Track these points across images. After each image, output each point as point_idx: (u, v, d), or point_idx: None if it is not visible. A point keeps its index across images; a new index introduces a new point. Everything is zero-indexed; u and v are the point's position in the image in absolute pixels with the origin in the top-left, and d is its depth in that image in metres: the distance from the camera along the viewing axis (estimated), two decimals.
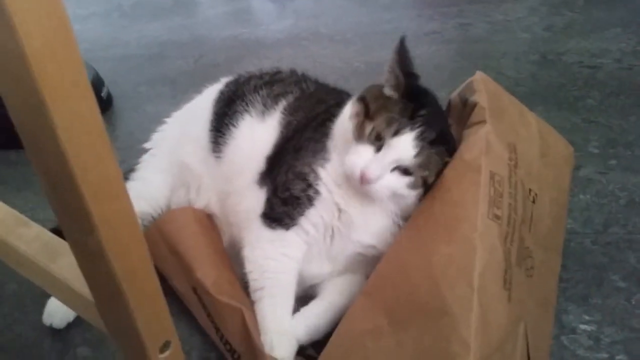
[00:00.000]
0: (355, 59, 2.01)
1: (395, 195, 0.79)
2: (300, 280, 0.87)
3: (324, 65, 1.99)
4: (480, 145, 0.76)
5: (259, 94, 1.00)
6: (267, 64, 2.05)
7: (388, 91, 0.82)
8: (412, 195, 0.79)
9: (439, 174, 0.79)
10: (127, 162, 1.41)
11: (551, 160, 0.89)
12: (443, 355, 0.63)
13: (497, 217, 0.72)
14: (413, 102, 0.79)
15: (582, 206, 1.16)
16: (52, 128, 0.38)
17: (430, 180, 0.79)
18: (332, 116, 0.88)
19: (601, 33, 2.01)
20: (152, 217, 1.06)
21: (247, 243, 0.87)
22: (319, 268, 0.88)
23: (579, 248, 1.05)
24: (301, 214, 0.83)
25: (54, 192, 0.44)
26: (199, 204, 1.02)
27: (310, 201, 0.83)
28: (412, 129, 0.76)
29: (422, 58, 1.95)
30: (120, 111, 1.76)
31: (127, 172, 1.13)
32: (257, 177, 0.92)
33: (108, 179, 0.44)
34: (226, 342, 0.83)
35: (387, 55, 1.95)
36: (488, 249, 0.68)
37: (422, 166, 0.77)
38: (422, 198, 0.80)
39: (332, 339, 0.75)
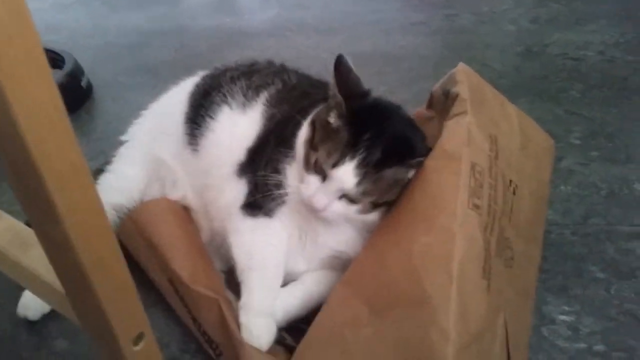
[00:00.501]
0: (341, 49, 1.95)
1: (348, 219, 0.79)
2: None
3: (308, 56, 1.97)
4: (461, 136, 0.76)
5: (236, 85, 0.98)
6: (249, 54, 2.01)
7: (332, 119, 0.77)
8: (367, 217, 0.78)
9: (396, 190, 0.78)
10: (107, 152, 1.38)
11: (531, 152, 0.89)
12: (422, 345, 0.62)
13: (477, 207, 0.71)
14: (358, 126, 0.75)
15: (562, 197, 1.17)
16: (12, 117, 0.37)
17: (388, 198, 0.77)
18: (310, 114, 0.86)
19: (585, 25, 2.03)
20: (127, 209, 1.03)
21: (232, 231, 0.86)
22: (294, 265, 0.87)
23: (559, 239, 1.06)
24: (279, 204, 0.83)
25: (19, 182, 0.43)
26: (175, 197, 1.01)
27: (281, 198, 0.83)
28: (352, 158, 0.73)
29: (408, 49, 1.95)
30: (99, 101, 1.73)
31: (104, 164, 1.11)
32: (236, 168, 0.90)
33: (72, 168, 0.42)
34: (204, 333, 0.82)
35: (373, 45, 1.95)
36: (467, 239, 0.68)
37: (366, 193, 0.75)
38: (384, 214, 0.79)
39: (311, 329, 0.74)
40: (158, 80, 1.85)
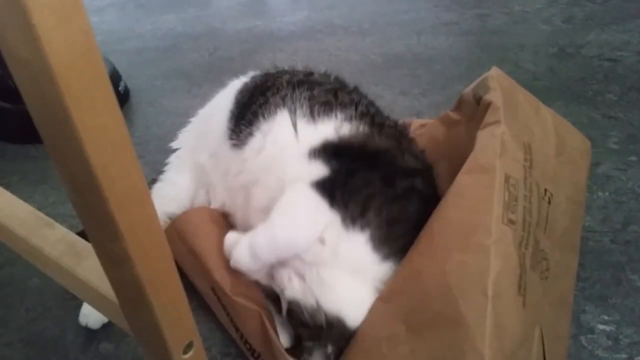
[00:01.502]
0: (371, 51, 2.00)
1: None
2: None
3: (339, 58, 1.98)
4: (494, 148, 0.75)
5: (296, 92, 0.94)
6: (281, 57, 2.05)
7: None
8: None
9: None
10: (145, 157, 1.43)
11: (567, 157, 0.88)
12: None
13: (511, 221, 0.71)
14: None
15: (600, 204, 1.15)
16: (78, 142, 0.39)
17: None
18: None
19: (621, 24, 1.98)
20: None
21: (291, 187, 0.82)
22: None
23: (598, 247, 1.05)
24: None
25: (80, 200, 0.45)
26: (215, 204, 1.02)
27: None
28: None
29: (440, 50, 1.93)
30: (136, 105, 1.77)
31: (158, 174, 1.15)
32: (307, 150, 0.85)
33: (134, 188, 0.44)
34: (246, 342, 0.85)
35: (404, 46, 1.94)
36: (502, 256, 0.68)
37: None
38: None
39: (354, 340, 0.76)
40: (192, 85, 1.90)
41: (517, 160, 0.77)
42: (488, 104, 0.82)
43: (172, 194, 1.06)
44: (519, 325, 0.66)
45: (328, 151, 0.85)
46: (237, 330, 0.86)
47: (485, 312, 0.63)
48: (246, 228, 0.95)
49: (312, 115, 0.91)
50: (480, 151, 0.76)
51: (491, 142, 0.76)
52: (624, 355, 0.85)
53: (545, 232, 0.78)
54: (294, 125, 0.91)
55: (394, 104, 1.60)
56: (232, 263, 0.83)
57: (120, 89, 1.75)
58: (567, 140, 0.90)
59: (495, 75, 0.85)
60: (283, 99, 0.94)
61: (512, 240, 0.70)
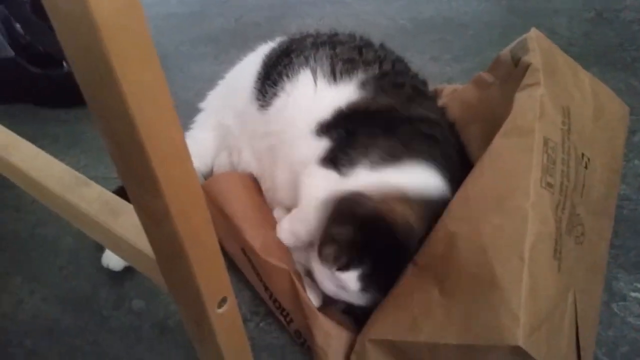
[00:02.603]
0: (400, 15, 1.96)
1: None
2: None
3: (367, 22, 1.95)
4: (534, 110, 0.73)
5: (319, 52, 0.95)
6: (308, 23, 2.03)
7: None
8: None
9: None
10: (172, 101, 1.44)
11: (605, 122, 0.86)
12: (492, 328, 0.62)
13: (550, 185, 0.70)
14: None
15: (636, 172, 1.13)
16: (121, 97, 0.39)
17: None
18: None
19: None
20: (202, 174, 1.09)
21: (305, 174, 0.85)
22: None
23: (632, 215, 1.03)
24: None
25: (122, 156, 0.45)
26: (241, 167, 1.03)
27: None
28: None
29: (472, 15, 1.89)
30: (164, 71, 1.76)
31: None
32: (316, 126, 0.87)
33: (174, 145, 0.45)
34: (275, 300, 0.86)
35: (434, 11, 1.89)
36: (540, 220, 0.67)
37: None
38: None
39: (384, 301, 0.76)
40: (220, 51, 1.89)
41: (555, 124, 0.75)
42: (527, 66, 0.79)
43: (195, 150, 1.06)
44: (554, 289, 0.66)
45: (336, 122, 0.86)
46: (267, 289, 0.88)
47: (522, 275, 0.62)
48: (274, 191, 0.96)
49: (334, 74, 0.91)
50: (519, 113, 0.75)
51: (530, 104, 0.74)
52: None
53: (582, 196, 0.76)
54: (315, 83, 0.92)
55: (424, 69, 1.54)
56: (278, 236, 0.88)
57: None
58: (605, 106, 0.88)
59: (534, 36, 0.83)
60: (307, 58, 0.95)
61: (550, 203, 0.69)
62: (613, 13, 1.79)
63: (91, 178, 0.70)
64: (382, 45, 1.04)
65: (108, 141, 0.45)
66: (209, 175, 1.12)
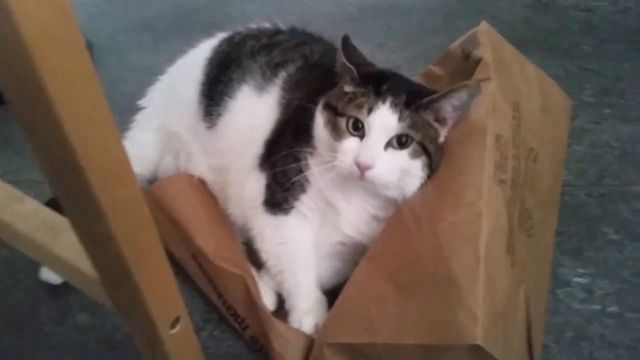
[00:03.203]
0: (346, 1, 1.94)
1: (401, 173, 0.74)
2: None
3: (313, 9, 1.91)
4: (486, 105, 0.73)
5: (256, 61, 0.93)
6: (251, 8, 1.97)
7: (347, 88, 0.78)
8: (416, 167, 0.74)
9: (435, 142, 0.76)
10: (114, 117, 1.37)
11: (550, 114, 0.88)
12: (449, 325, 0.63)
13: (502, 181, 0.71)
14: (373, 83, 0.75)
15: (576, 157, 1.17)
16: (55, 119, 0.36)
17: (430, 147, 0.74)
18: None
19: None
20: (145, 178, 1.03)
21: (256, 234, 0.85)
22: None
23: (574, 200, 1.07)
24: (297, 198, 0.82)
25: (59, 181, 0.42)
26: (195, 173, 0.99)
27: (302, 187, 0.81)
28: (383, 102, 0.72)
29: (416, 1, 1.89)
30: (100, 62, 1.68)
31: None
32: (257, 161, 0.87)
33: (116, 166, 0.42)
34: (229, 307, 0.84)
35: None
36: (494, 216, 0.67)
37: (412, 127, 0.72)
38: (426, 181, 0.75)
39: (337, 302, 0.75)
40: (159, 39, 1.81)
41: (506, 119, 0.76)
42: (478, 60, 0.80)
43: (137, 153, 1.01)
44: (508, 284, 0.67)
45: (268, 154, 0.86)
46: (220, 295, 0.85)
47: (477, 273, 0.63)
48: (226, 210, 0.94)
49: (263, 83, 0.90)
50: (472, 108, 0.74)
51: (482, 100, 0.74)
52: (597, 307, 0.88)
53: (530, 190, 0.78)
54: (252, 103, 0.90)
55: (371, 57, 1.56)
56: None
57: None
58: (551, 98, 0.90)
59: (485, 30, 0.83)
60: (244, 72, 0.93)
61: (502, 200, 0.70)
62: None
63: (25, 181, 0.65)
64: (319, 39, 1.01)
65: (44, 166, 0.41)
66: (152, 179, 1.06)
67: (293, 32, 1.02)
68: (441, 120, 0.75)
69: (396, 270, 0.72)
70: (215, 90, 0.95)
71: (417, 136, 0.73)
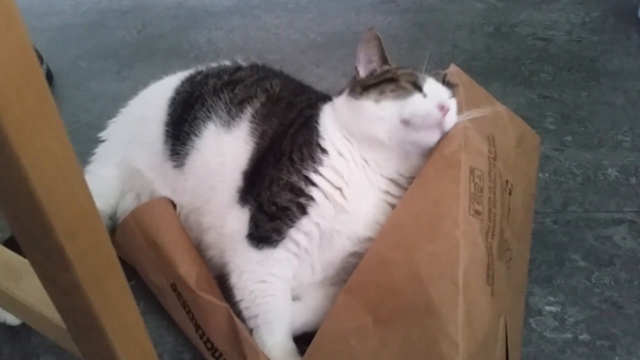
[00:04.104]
0: (310, 29, 1.95)
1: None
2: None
3: (278, 37, 1.92)
4: (458, 140, 0.76)
5: (220, 99, 0.93)
6: (217, 35, 1.97)
7: (383, 67, 0.88)
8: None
9: None
10: (74, 147, 1.32)
11: (524, 150, 0.90)
12: (431, 355, 0.63)
13: (478, 212, 0.72)
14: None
15: (541, 185, 1.19)
16: (19, 168, 0.34)
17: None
18: (307, 120, 0.86)
19: (551, 4, 2.04)
20: (105, 214, 0.99)
21: (234, 269, 0.83)
22: (313, 278, 0.85)
23: (541, 228, 1.08)
24: (290, 225, 0.80)
25: (23, 230, 0.40)
26: None
27: (302, 210, 0.80)
28: (425, 77, 0.83)
29: (379, 29, 1.88)
30: (61, 89, 1.64)
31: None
32: (236, 195, 0.86)
33: (82, 213, 0.40)
34: (207, 340, 0.81)
35: (343, 25, 1.90)
36: (471, 246, 0.68)
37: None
38: None
39: (316, 337, 0.74)
40: (122, 65, 1.78)
41: (481, 153, 0.77)
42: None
43: (96, 188, 0.97)
44: (488, 314, 0.67)
45: (248, 187, 0.86)
46: (198, 328, 0.82)
47: (457, 301, 0.63)
48: (202, 241, 0.92)
49: (230, 119, 0.91)
50: (445, 143, 0.77)
51: (455, 135, 0.76)
52: (569, 335, 0.89)
53: (508, 222, 0.79)
54: (218, 140, 0.91)
55: (337, 86, 1.57)
56: None
57: (42, 71, 1.61)
58: (523, 134, 0.92)
59: (454, 71, 0.86)
60: (209, 110, 0.93)
61: (479, 230, 0.71)
62: (509, 27, 1.90)
63: None
64: (279, 72, 1.05)
65: (6, 214, 0.39)
66: (113, 216, 1.02)
67: (254, 67, 1.04)
68: None
69: (375, 302, 0.71)
70: (181, 130, 0.94)
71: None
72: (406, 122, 0.78)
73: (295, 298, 0.87)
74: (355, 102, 0.83)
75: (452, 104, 0.79)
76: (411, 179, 0.81)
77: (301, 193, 0.80)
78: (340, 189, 0.80)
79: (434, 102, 0.77)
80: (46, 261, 0.42)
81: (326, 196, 0.80)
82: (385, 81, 0.82)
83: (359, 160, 0.82)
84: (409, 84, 0.81)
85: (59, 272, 0.41)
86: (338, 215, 0.80)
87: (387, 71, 0.85)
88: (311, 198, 0.80)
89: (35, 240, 0.40)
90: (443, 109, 0.76)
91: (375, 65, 0.88)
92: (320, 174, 0.80)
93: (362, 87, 0.84)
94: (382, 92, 0.81)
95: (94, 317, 0.45)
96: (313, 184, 0.80)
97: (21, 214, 0.38)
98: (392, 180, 0.83)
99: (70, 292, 0.43)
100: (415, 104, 0.78)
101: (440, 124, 0.77)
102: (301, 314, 0.84)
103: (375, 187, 0.83)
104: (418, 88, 0.80)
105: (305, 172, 0.80)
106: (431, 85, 0.81)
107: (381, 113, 0.80)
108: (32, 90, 0.33)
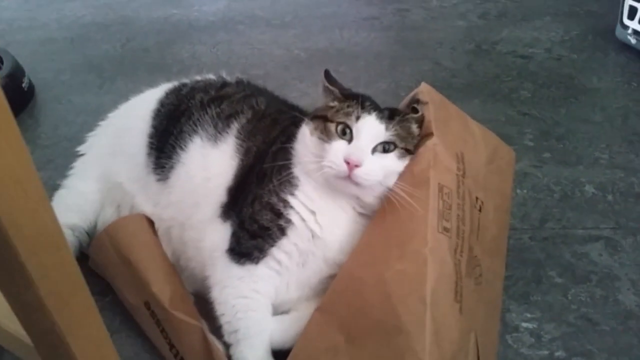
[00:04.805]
0: (294, 45, 1.96)
1: (385, 175, 0.78)
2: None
3: (262, 52, 1.93)
4: (427, 158, 0.77)
5: (207, 113, 0.93)
6: (201, 50, 1.97)
7: (332, 103, 0.85)
8: (401, 166, 0.80)
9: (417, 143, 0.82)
10: (54, 161, 1.32)
11: (496, 166, 0.91)
12: None
13: (446, 229, 0.72)
14: (356, 99, 0.82)
15: (519, 201, 1.20)
16: None
17: (411, 147, 0.81)
18: (289, 138, 0.86)
19: (532, 22, 2.08)
20: (83, 229, 0.98)
21: (215, 283, 0.82)
22: (287, 295, 0.84)
23: (518, 244, 1.09)
24: (272, 245, 0.80)
25: None
26: None
27: (281, 231, 0.80)
28: (369, 113, 0.79)
29: (362, 46, 1.94)
30: (43, 103, 1.63)
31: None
32: (219, 210, 0.86)
33: (46, 232, 0.40)
34: (181, 359, 0.80)
35: (327, 41, 1.94)
36: (439, 263, 0.69)
37: (399, 136, 0.79)
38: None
39: (290, 355, 0.74)
40: (104, 79, 1.78)
41: (450, 170, 0.78)
42: (422, 119, 0.83)
43: (75, 203, 0.99)
44: (457, 331, 0.68)
45: (232, 203, 0.86)
46: (172, 347, 0.82)
47: (424, 319, 0.64)
48: (181, 255, 0.92)
49: (216, 134, 0.91)
50: (415, 163, 0.78)
51: (424, 153, 0.78)
52: (545, 352, 0.89)
53: (478, 238, 0.80)
54: (205, 155, 0.91)
55: (318, 101, 1.58)
56: None
57: (24, 85, 1.60)
58: (495, 150, 0.93)
59: (425, 90, 0.86)
60: (195, 124, 0.93)
61: (448, 247, 0.71)
62: (490, 45, 1.92)
63: None
64: (264, 89, 1.06)
65: None
66: (91, 232, 1.01)
67: (239, 84, 1.04)
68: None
69: (347, 321, 0.72)
70: (165, 143, 0.94)
71: (400, 144, 0.80)
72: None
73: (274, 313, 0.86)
74: (304, 127, 0.84)
75: (367, 158, 0.76)
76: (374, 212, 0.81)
77: (280, 215, 0.80)
78: (314, 213, 0.80)
79: (343, 154, 0.76)
80: (9, 279, 0.41)
81: (302, 219, 0.80)
82: (320, 118, 0.82)
83: (327, 186, 0.81)
84: (337, 127, 0.79)
85: (21, 289, 0.41)
86: (314, 239, 0.80)
87: (330, 108, 0.83)
88: (289, 221, 0.80)
89: None
90: (350, 164, 0.75)
91: (331, 97, 0.87)
92: (297, 198, 0.81)
93: (313, 114, 0.85)
94: (315, 128, 0.81)
95: (59, 335, 0.45)
96: (291, 206, 0.80)
97: None
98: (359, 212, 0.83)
99: (34, 310, 0.43)
100: (328, 153, 0.77)
101: (347, 177, 0.76)
102: (279, 330, 0.83)
103: (348, 213, 0.82)
104: (343, 133, 0.79)
105: (282, 195, 0.81)
106: (364, 128, 0.78)
107: (310, 145, 0.81)
108: None
